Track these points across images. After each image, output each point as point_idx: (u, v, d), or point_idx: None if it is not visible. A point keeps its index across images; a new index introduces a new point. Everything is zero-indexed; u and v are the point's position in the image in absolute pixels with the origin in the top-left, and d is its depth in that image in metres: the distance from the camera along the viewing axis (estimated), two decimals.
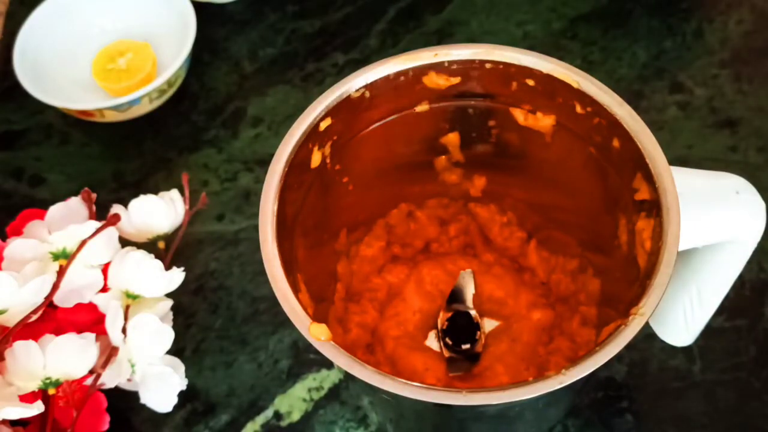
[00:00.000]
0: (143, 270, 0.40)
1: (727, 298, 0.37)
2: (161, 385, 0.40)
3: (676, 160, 0.32)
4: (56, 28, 0.57)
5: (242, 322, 0.47)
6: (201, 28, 0.55)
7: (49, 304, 0.39)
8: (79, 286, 0.39)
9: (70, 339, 0.37)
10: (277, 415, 0.43)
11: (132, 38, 0.57)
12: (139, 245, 0.42)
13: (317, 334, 0.30)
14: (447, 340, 0.40)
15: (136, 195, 0.43)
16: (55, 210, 0.42)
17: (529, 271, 0.43)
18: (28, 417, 0.36)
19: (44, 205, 0.43)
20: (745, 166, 0.50)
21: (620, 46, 0.57)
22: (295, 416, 0.43)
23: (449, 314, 0.41)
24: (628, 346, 0.29)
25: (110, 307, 0.38)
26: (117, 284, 0.40)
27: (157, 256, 0.40)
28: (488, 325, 0.42)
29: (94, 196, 0.44)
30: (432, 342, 0.42)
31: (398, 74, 0.37)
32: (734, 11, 0.58)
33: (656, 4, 0.59)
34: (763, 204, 0.33)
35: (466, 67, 0.37)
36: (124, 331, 0.39)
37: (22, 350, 0.36)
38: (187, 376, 0.41)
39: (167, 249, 0.44)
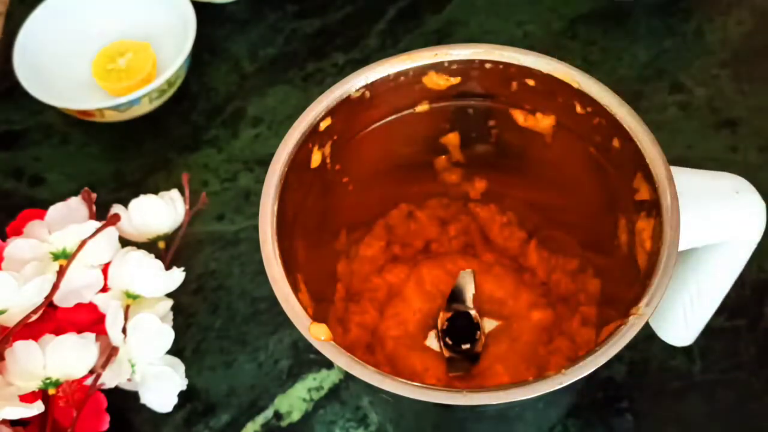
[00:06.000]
0: (143, 270, 0.40)
1: (727, 298, 0.37)
2: (161, 385, 0.40)
3: (676, 160, 0.32)
4: (56, 28, 0.57)
5: (242, 322, 0.47)
6: (201, 28, 0.55)
7: (49, 304, 0.39)
8: (79, 286, 0.39)
9: (70, 339, 0.37)
10: (277, 415, 0.43)
11: (132, 38, 0.57)
12: (139, 245, 0.42)
13: (317, 334, 0.30)
14: (447, 340, 0.40)
15: (136, 195, 0.43)
16: (55, 210, 0.42)
17: (529, 271, 0.43)
18: (28, 417, 0.36)
19: (44, 205, 0.43)
20: (745, 166, 0.50)
21: (620, 46, 0.57)
22: (295, 416, 0.43)
23: (449, 314, 0.41)
24: (628, 346, 0.29)
25: (110, 307, 0.39)
26: (117, 284, 0.40)
27: (157, 256, 0.41)
28: (488, 325, 0.42)
29: (94, 196, 0.44)
30: (432, 342, 0.42)
31: (398, 74, 0.36)
32: (734, 11, 0.58)
33: (656, 4, 0.59)
34: (763, 204, 0.33)
35: (466, 67, 0.37)
36: (124, 331, 0.39)
37: (22, 350, 0.37)
38: (187, 376, 0.41)
39: (167, 249, 0.44)
